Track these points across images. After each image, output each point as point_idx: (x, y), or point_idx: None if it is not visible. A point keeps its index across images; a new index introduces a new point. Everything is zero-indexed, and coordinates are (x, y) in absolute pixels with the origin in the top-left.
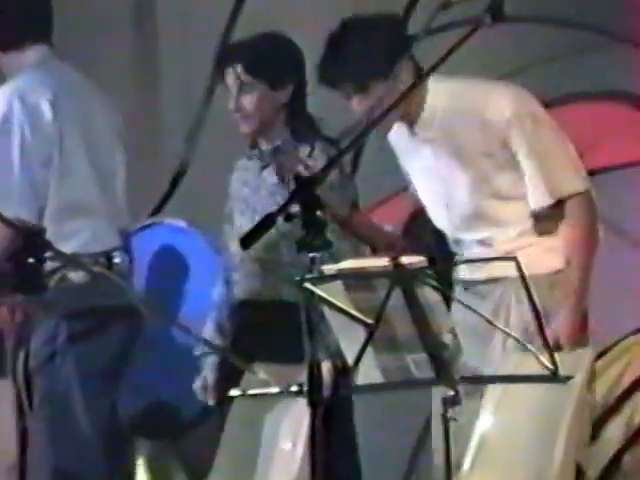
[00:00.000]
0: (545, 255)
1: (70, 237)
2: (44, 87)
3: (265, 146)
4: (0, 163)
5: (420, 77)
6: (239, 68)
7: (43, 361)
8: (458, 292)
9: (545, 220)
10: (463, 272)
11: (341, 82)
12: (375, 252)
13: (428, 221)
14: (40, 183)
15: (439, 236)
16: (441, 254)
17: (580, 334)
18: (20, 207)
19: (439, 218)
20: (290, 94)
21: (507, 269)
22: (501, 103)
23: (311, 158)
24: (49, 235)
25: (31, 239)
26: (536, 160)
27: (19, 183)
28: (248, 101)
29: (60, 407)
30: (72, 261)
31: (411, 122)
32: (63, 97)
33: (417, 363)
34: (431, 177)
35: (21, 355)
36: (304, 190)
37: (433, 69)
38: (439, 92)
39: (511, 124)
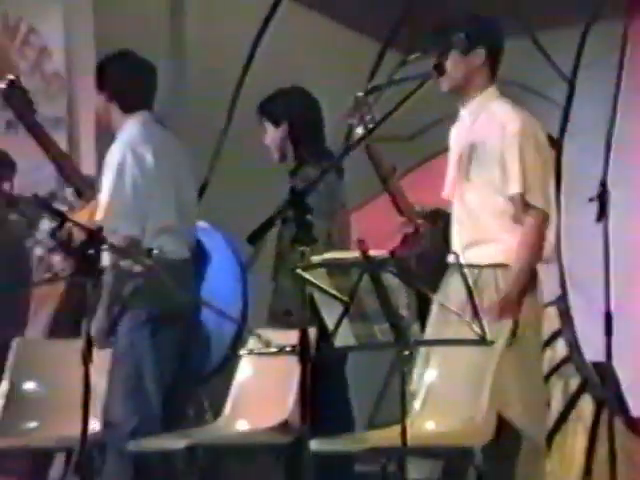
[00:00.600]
0: (501, 253)
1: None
2: (148, 142)
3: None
4: (119, 195)
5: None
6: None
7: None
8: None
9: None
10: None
11: None
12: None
13: None
14: (144, 210)
15: None
16: None
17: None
18: (132, 227)
19: None
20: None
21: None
22: (515, 122)
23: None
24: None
25: (93, 237)
26: (521, 169)
27: (131, 210)
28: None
29: (134, 371)
30: (123, 252)
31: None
32: (160, 149)
33: (382, 331)
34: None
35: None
36: (297, 199)
37: (395, 109)
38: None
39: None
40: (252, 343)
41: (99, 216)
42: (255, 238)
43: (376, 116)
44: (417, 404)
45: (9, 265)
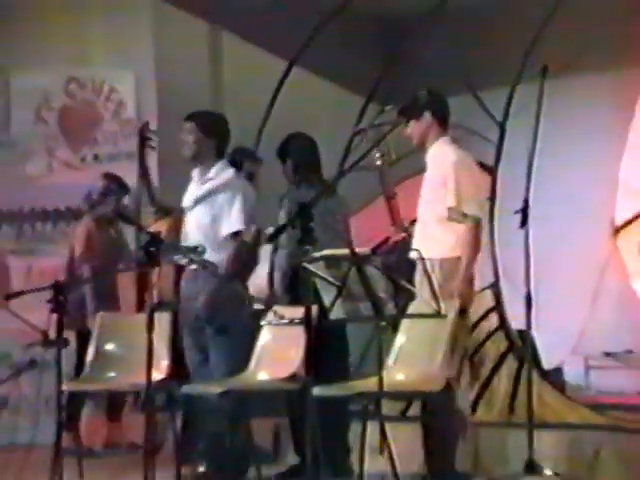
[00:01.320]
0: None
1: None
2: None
3: None
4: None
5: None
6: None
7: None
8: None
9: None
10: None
11: None
12: None
13: None
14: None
15: None
16: None
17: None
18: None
19: None
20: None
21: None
22: (453, 156)
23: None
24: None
25: (153, 238)
26: (456, 188)
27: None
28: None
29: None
30: (175, 249)
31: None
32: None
33: (365, 308)
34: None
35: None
36: (303, 211)
37: (372, 148)
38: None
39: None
40: (270, 316)
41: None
42: (273, 238)
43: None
44: (390, 361)
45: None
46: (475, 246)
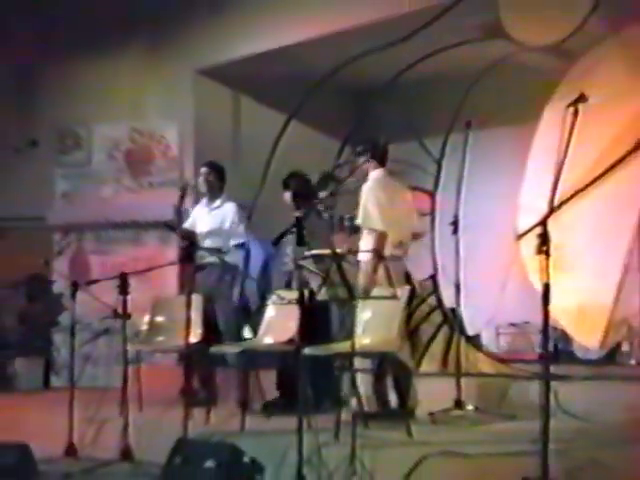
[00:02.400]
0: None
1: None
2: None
3: None
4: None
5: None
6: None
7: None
8: None
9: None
10: None
11: None
12: None
13: None
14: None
15: None
16: None
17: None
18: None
19: None
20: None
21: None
22: (368, 183)
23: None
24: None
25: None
26: (363, 209)
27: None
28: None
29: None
30: (207, 250)
31: None
32: None
33: (342, 292)
34: None
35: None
36: (299, 222)
37: (346, 178)
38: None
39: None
40: (273, 297)
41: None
42: (276, 242)
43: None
44: (359, 330)
45: None
46: (378, 250)
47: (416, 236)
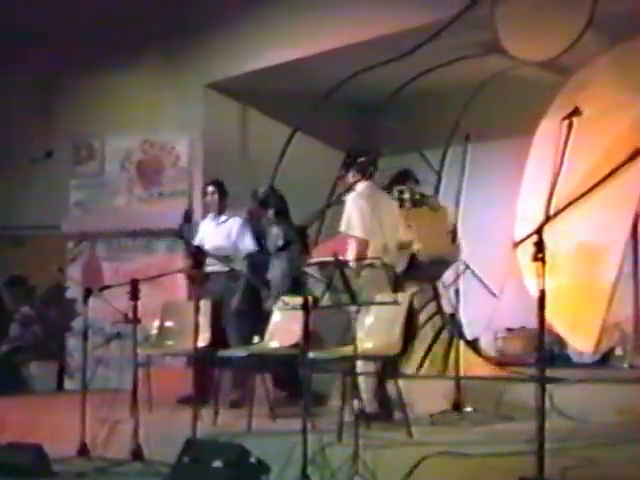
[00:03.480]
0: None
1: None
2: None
3: None
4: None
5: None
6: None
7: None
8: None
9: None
10: None
11: None
12: None
13: None
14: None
15: None
16: None
17: None
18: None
19: None
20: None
21: None
22: (352, 193)
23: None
24: None
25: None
26: (346, 217)
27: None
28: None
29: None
30: (216, 258)
31: None
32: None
33: (345, 298)
34: None
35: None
36: (302, 232)
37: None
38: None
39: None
40: (279, 303)
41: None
42: (281, 249)
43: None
44: (362, 334)
45: None
46: (359, 256)
47: (403, 246)
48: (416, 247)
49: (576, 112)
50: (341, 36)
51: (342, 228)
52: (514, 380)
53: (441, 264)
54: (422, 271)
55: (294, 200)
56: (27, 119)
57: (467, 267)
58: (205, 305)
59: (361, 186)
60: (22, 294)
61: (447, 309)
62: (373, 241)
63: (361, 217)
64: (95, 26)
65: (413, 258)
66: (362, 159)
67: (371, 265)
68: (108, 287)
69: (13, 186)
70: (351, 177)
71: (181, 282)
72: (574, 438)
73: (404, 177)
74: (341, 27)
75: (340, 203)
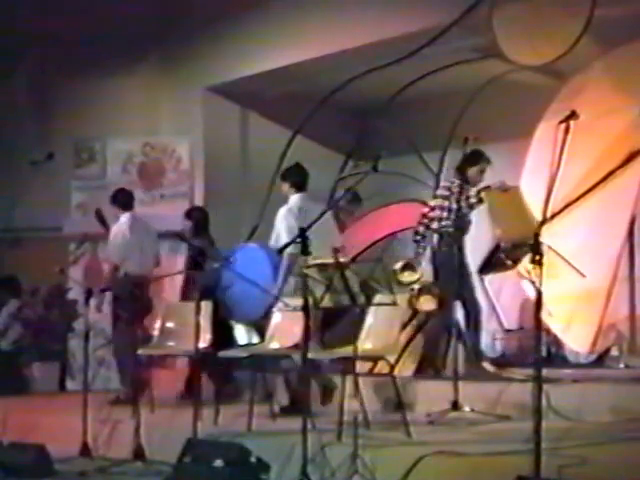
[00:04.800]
0: None
1: None
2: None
3: None
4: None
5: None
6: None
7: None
8: None
9: None
10: None
11: None
12: None
13: None
14: None
15: None
16: None
17: None
18: None
19: None
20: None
21: None
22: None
23: None
24: None
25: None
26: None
27: None
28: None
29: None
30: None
31: None
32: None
33: (344, 299)
34: None
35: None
36: (303, 234)
37: (348, 190)
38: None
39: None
40: (279, 304)
41: None
42: (281, 251)
43: None
44: (362, 335)
45: None
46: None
47: (336, 251)
48: (497, 233)
49: (573, 116)
50: (341, 40)
51: (272, 242)
52: (512, 380)
53: (522, 247)
54: (506, 257)
55: None
56: (28, 122)
57: (549, 248)
58: (206, 306)
59: (294, 199)
60: (7, 293)
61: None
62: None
63: (289, 235)
64: (96, 30)
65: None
66: (293, 173)
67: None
68: (109, 289)
69: (15, 188)
70: (287, 188)
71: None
72: (570, 437)
73: (476, 157)
74: (340, 31)
75: (340, 205)
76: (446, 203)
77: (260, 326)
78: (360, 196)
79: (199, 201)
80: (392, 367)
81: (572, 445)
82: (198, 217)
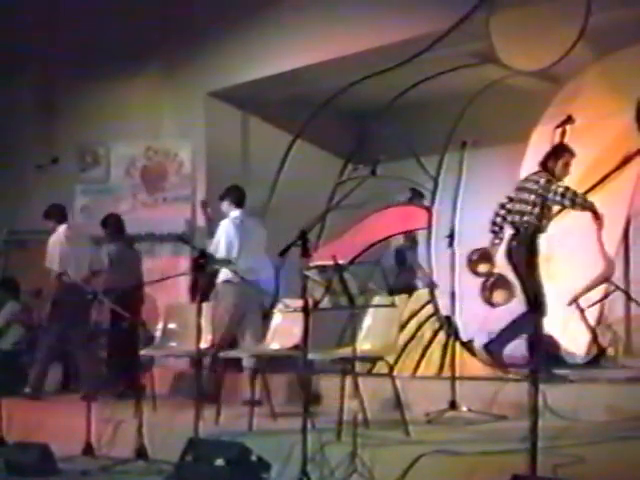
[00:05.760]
0: None
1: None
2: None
3: None
4: None
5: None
6: None
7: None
8: None
9: None
10: None
11: None
12: None
13: None
14: None
15: None
16: None
17: None
18: None
19: None
20: None
21: None
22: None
23: None
24: None
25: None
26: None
27: None
28: None
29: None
30: (217, 262)
31: None
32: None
33: (343, 300)
34: None
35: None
36: (303, 235)
37: (348, 194)
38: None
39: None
40: (280, 305)
41: None
42: (282, 253)
43: None
44: (361, 335)
45: None
46: None
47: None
48: None
49: (569, 120)
50: (340, 46)
51: (211, 248)
52: (508, 380)
53: None
54: None
55: (295, 204)
56: (33, 127)
57: (617, 288)
58: (207, 307)
59: (234, 214)
60: (6, 294)
61: (443, 311)
62: (239, 262)
63: (227, 242)
64: (100, 36)
65: None
66: (236, 192)
67: (229, 281)
68: (113, 290)
69: (20, 191)
70: (226, 206)
71: (184, 285)
72: (566, 437)
73: (559, 151)
74: (340, 37)
75: (340, 207)
76: (532, 197)
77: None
78: (422, 192)
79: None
80: (391, 367)
81: (568, 444)
82: (113, 223)
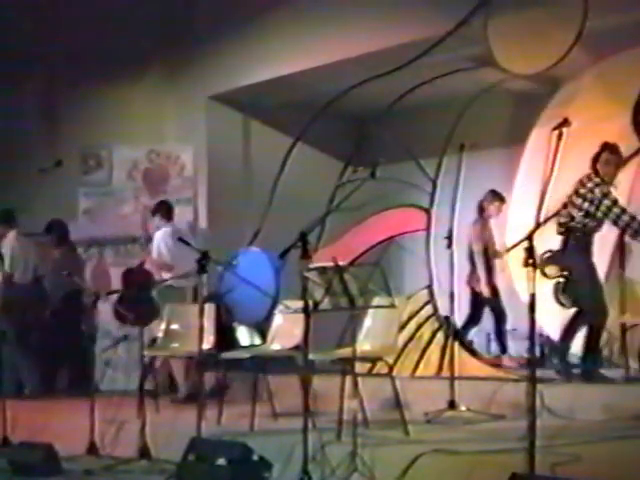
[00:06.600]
0: None
1: None
2: None
3: None
4: None
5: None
6: None
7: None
8: None
9: None
10: None
11: None
12: None
13: None
14: None
15: None
16: None
17: None
18: None
19: None
20: None
21: None
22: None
23: None
24: None
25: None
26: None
27: None
28: None
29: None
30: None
31: None
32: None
33: (343, 301)
34: None
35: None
36: (303, 238)
37: (348, 196)
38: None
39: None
40: (280, 306)
41: None
42: (282, 255)
43: None
44: (361, 336)
45: None
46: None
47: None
48: None
49: (565, 123)
50: (340, 50)
51: (154, 255)
52: (506, 380)
53: None
54: None
55: (295, 207)
56: (37, 130)
57: None
58: (209, 308)
59: (167, 226)
60: None
61: (441, 311)
62: (177, 267)
63: (169, 252)
64: (102, 40)
65: None
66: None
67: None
68: (116, 291)
69: (23, 194)
70: (157, 220)
71: None
72: (564, 436)
73: (602, 149)
74: (340, 41)
75: (339, 210)
76: (585, 205)
77: (262, 328)
78: (501, 193)
79: (202, 207)
80: (391, 367)
81: (565, 443)
82: (58, 229)
